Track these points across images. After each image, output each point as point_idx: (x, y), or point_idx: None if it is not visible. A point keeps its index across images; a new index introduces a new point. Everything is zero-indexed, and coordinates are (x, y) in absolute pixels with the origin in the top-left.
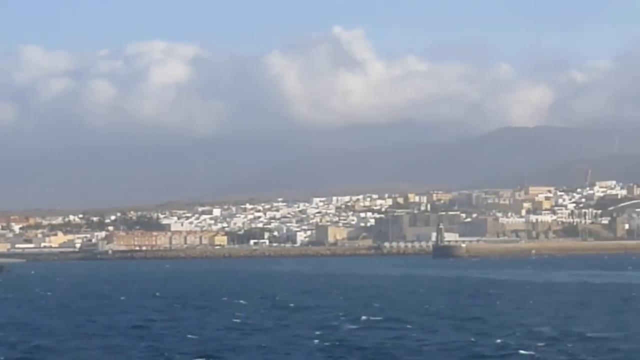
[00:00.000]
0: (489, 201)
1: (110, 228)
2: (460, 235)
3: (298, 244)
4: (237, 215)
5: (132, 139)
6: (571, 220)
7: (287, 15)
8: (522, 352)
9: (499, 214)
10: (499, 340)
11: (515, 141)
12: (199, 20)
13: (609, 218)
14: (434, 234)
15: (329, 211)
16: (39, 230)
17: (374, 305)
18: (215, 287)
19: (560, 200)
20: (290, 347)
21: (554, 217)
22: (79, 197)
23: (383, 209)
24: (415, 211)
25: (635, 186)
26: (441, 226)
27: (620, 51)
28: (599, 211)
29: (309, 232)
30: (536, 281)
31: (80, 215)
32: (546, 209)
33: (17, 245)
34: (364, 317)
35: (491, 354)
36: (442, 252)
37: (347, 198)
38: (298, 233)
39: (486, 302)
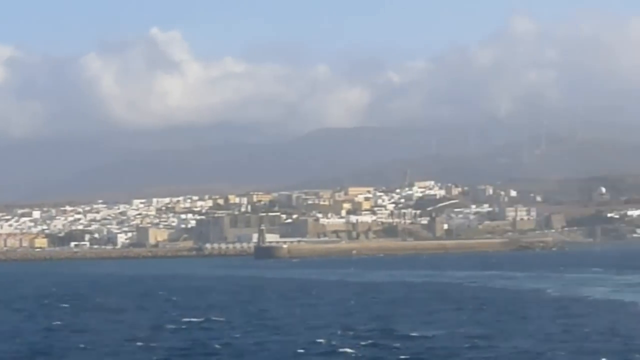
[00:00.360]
0: (309, 202)
1: None
2: (281, 236)
3: (119, 245)
4: (57, 217)
5: None
6: (391, 220)
7: (104, 17)
8: (344, 350)
9: (319, 215)
10: (320, 340)
11: (334, 142)
12: (14, 21)
13: (428, 218)
14: (255, 235)
15: (149, 213)
16: None
17: (196, 306)
18: (36, 290)
19: (379, 201)
20: (113, 348)
21: (374, 218)
22: None
23: (203, 211)
24: (236, 212)
25: (453, 186)
26: (262, 227)
27: (435, 52)
28: (418, 211)
29: (129, 234)
30: (358, 281)
31: None
32: (366, 210)
33: None
34: (185, 319)
35: (313, 353)
36: (264, 253)
37: (167, 199)
38: (119, 235)
39: (308, 302)
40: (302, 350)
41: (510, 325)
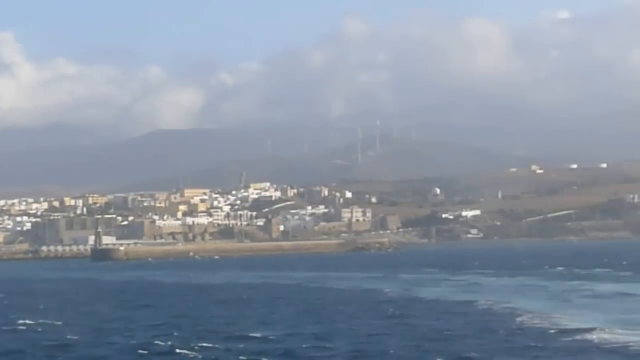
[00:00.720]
0: (145, 204)
1: None
2: (117, 238)
3: None
4: None
5: None
6: (227, 222)
7: None
8: (182, 351)
9: (156, 217)
10: (158, 342)
11: (168, 144)
12: None
13: (264, 219)
14: (91, 237)
15: None
16: None
17: (32, 309)
18: None
19: (215, 203)
20: None
21: (210, 219)
22: None
23: (39, 213)
24: (72, 215)
25: (288, 188)
26: (99, 229)
27: (268, 53)
28: (254, 213)
29: None
30: (195, 283)
31: None
32: (202, 211)
33: None
34: (21, 321)
35: (153, 353)
36: (101, 255)
37: (2, 202)
38: None
39: (146, 304)
40: (143, 352)
41: (348, 325)
